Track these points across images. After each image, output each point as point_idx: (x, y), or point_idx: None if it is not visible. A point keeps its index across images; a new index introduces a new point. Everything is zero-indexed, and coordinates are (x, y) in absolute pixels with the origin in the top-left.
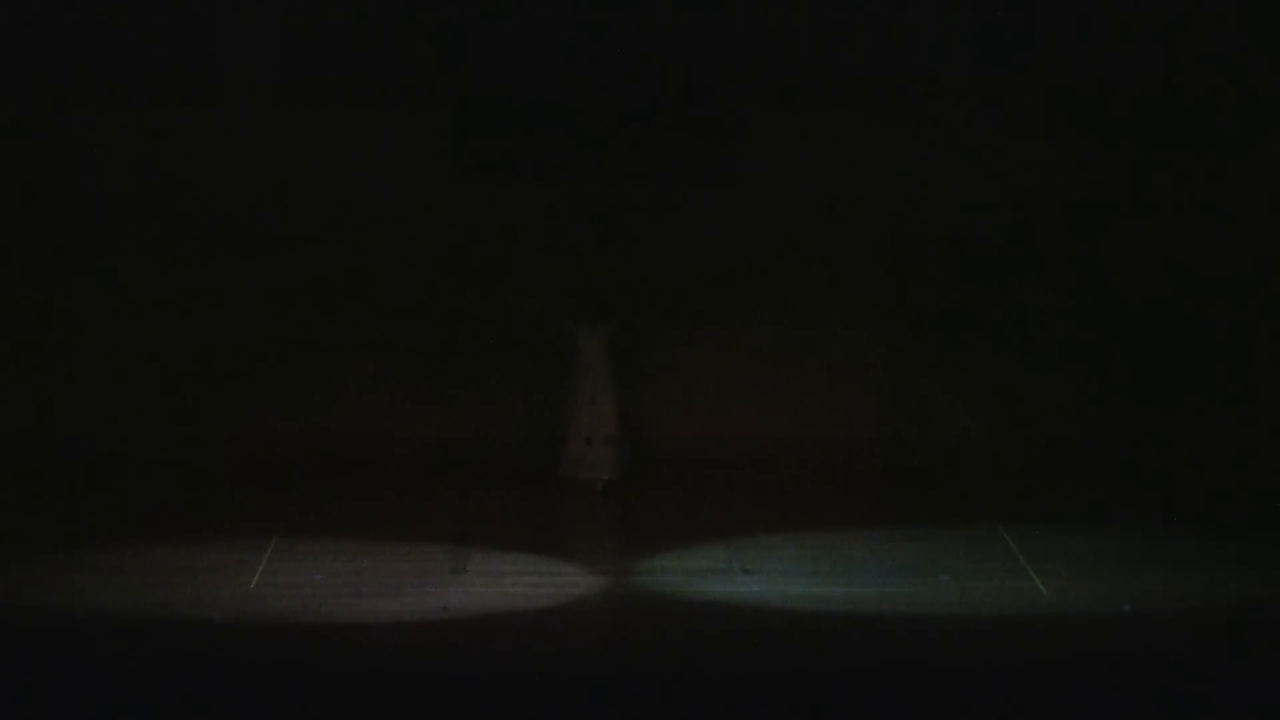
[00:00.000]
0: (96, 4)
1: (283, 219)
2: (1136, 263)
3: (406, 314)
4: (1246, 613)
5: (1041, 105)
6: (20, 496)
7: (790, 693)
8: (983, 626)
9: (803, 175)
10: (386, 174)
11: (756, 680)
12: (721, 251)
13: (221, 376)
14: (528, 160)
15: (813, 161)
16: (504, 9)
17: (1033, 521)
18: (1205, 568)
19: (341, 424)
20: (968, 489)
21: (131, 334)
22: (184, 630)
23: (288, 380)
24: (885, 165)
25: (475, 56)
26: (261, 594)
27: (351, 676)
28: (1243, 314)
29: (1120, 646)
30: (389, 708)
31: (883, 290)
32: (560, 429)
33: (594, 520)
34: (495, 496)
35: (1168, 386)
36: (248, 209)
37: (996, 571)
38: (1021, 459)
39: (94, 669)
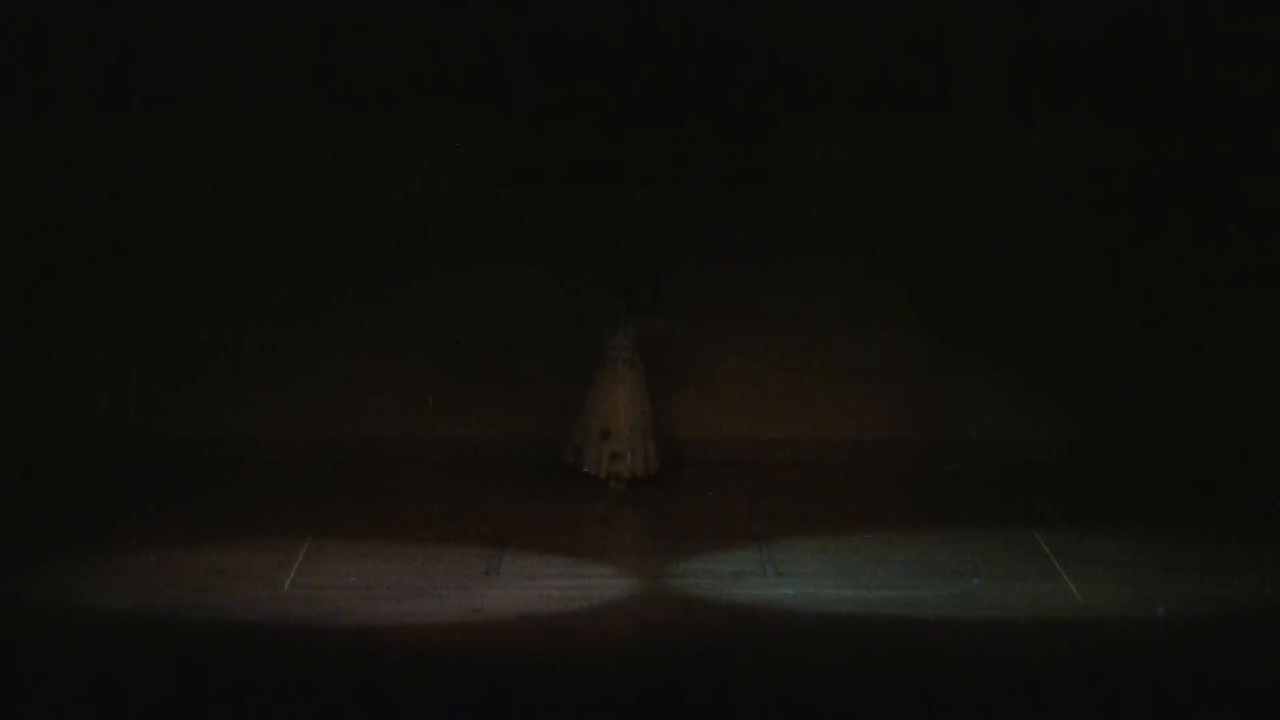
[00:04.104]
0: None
1: (315, 220)
2: (1177, 262)
3: (440, 315)
4: None
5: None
6: (54, 498)
7: (822, 696)
8: (1015, 630)
9: (840, 176)
10: (422, 175)
11: (788, 684)
12: (757, 252)
13: (255, 378)
14: (561, 161)
15: (849, 163)
16: (540, 10)
17: (1066, 524)
18: (1239, 572)
19: (375, 426)
20: (1001, 491)
21: (165, 335)
22: (217, 632)
23: (321, 382)
24: (921, 167)
25: (510, 57)
26: (295, 596)
27: (384, 679)
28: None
29: (1153, 651)
30: (421, 710)
31: (916, 292)
32: (595, 427)
33: (628, 522)
34: (530, 498)
35: (1202, 390)
36: (280, 209)
37: (1029, 574)
38: (1055, 461)
39: (126, 671)
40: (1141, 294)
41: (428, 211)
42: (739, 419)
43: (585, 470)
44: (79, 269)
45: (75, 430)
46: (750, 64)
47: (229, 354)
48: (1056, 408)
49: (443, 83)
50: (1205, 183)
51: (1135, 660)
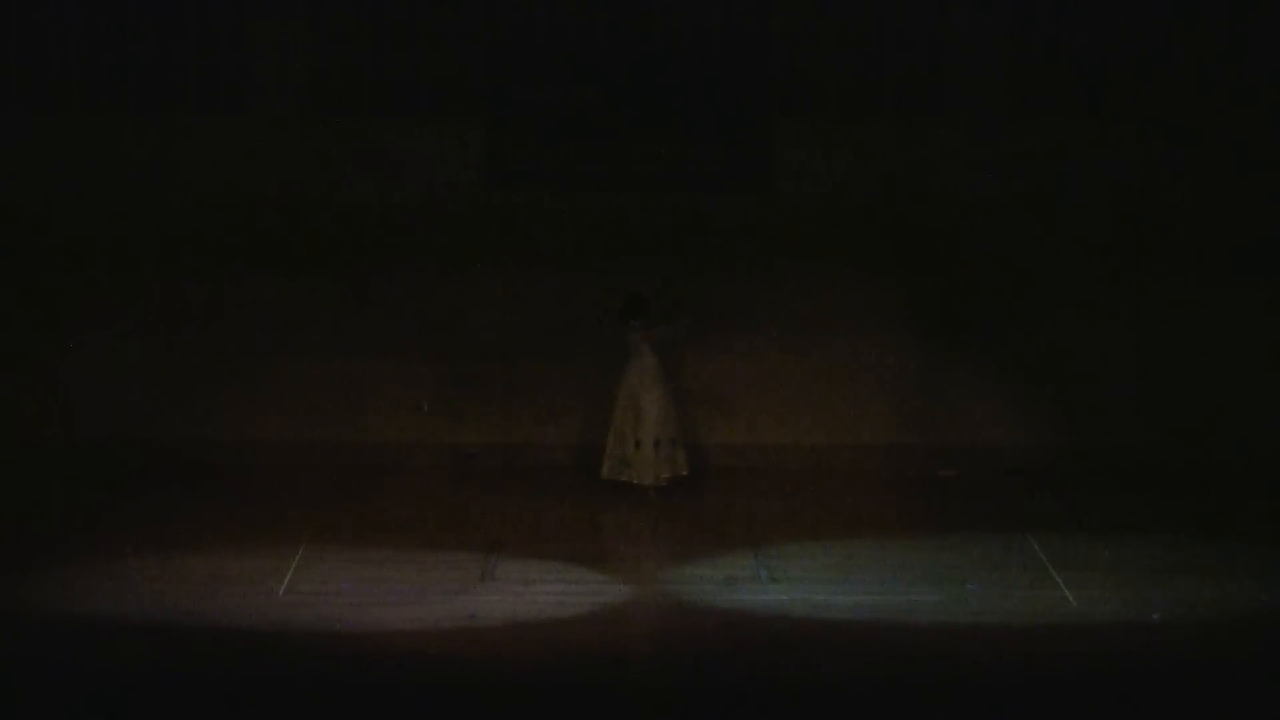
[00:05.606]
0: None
1: (313, 224)
2: (1175, 265)
3: (437, 320)
4: (1277, 623)
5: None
6: (51, 503)
7: (815, 701)
8: (1010, 635)
9: (836, 180)
10: (419, 181)
11: (783, 688)
12: (753, 256)
13: (252, 382)
14: (557, 167)
15: (845, 166)
16: (535, 17)
17: (1062, 530)
18: (1235, 577)
19: (372, 430)
20: (997, 496)
21: (163, 340)
22: (211, 638)
23: (318, 386)
24: (918, 170)
25: (506, 63)
26: (289, 601)
27: (377, 685)
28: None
29: (1148, 656)
30: (416, 715)
31: (914, 296)
32: (646, 437)
33: (623, 527)
34: (526, 502)
35: (1200, 394)
36: (278, 214)
37: (1024, 580)
38: (1052, 466)
39: (121, 676)
40: (1139, 297)
41: (424, 217)
42: (736, 423)
43: (636, 482)
44: (79, 270)
45: (74, 432)
46: (745, 69)
47: (226, 358)
48: (1054, 412)
49: (439, 89)
50: (1204, 184)
51: (1130, 666)
